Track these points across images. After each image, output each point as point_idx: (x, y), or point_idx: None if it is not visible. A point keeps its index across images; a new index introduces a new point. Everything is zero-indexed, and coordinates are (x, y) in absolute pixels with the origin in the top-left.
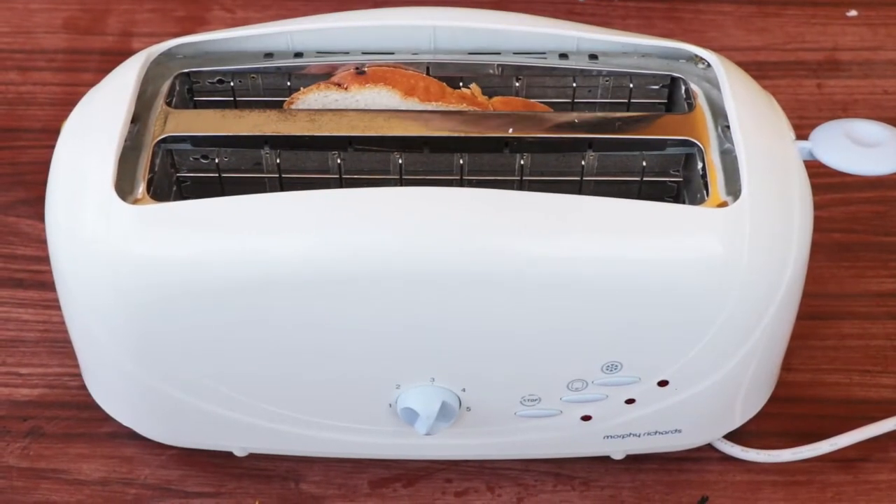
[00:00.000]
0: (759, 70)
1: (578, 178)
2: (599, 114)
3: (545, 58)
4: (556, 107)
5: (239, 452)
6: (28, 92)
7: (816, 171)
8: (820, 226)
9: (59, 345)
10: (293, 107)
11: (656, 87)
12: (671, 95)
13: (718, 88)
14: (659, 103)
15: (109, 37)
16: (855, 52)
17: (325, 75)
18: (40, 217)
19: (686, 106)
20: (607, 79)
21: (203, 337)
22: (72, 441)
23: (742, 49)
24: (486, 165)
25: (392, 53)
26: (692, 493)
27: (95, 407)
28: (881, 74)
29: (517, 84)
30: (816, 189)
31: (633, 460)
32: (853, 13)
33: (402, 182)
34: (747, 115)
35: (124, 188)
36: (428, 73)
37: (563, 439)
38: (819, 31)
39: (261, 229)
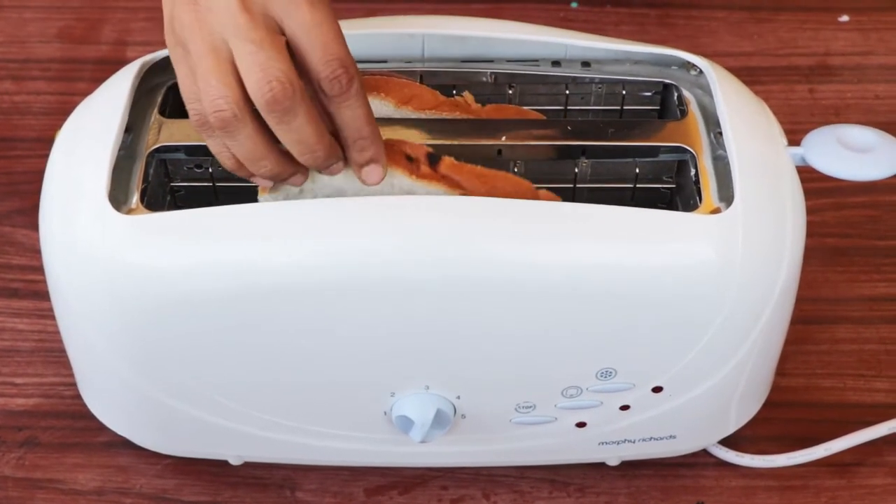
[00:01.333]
0: (751, 75)
1: (571, 185)
2: (592, 121)
3: (538, 65)
4: (549, 114)
5: (234, 461)
6: (23, 101)
7: (809, 176)
8: (813, 231)
9: (54, 354)
10: None
11: (649, 93)
12: (664, 102)
13: (711, 95)
14: (651, 110)
15: (104, 46)
16: (846, 57)
17: None
18: (35, 227)
19: (678, 112)
20: (600, 86)
21: (197, 346)
22: (67, 451)
23: (734, 55)
24: None
25: (385, 62)
26: (687, 499)
27: (91, 416)
28: (873, 79)
29: (510, 92)
30: (809, 194)
31: (629, 466)
32: (845, 18)
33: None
34: (739, 121)
35: (118, 198)
36: (421, 82)
37: (559, 446)
38: (811, 37)
39: (254, 238)
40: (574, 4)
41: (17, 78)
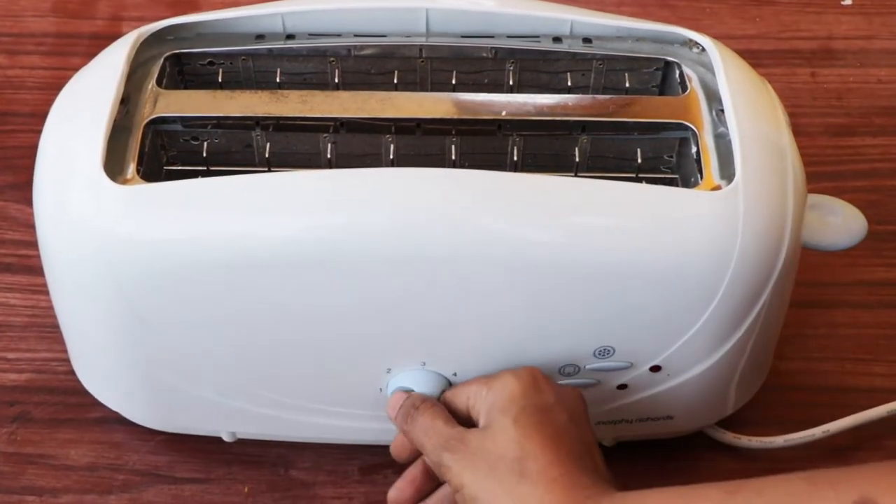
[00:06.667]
0: (753, 58)
1: (571, 163)
2: (593, 97)
3: (539, 41)
4: (549, 90)
5: (228, 438)
6: (16, 76)
7: (810, 160)
8: None
9: (47, 330)
10: None
11: (650, 70)
12: (665, 79)
13: (713, 72)
14: (653, 87)
15: (99, 20)
16: (849, 41)
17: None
18: (28, 202)
19: (680, 90)
20: (601, 62)
21: (192, 319)
22: (59, 426)
23: (736, 37)
24: (479, 148)
25: (384, 36)
26: (683, 481)
27: (83, 392)
28: (875, 63)
29: (510, 68)
30: (810, 177)
31: (625, 447)
32: (848, 2)
33: (393, 164)
34: (741, 98)
35: (114, 169)
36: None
37: None
38: (813, 20)
39: (250, 210)
40: None
41: (11, 52)
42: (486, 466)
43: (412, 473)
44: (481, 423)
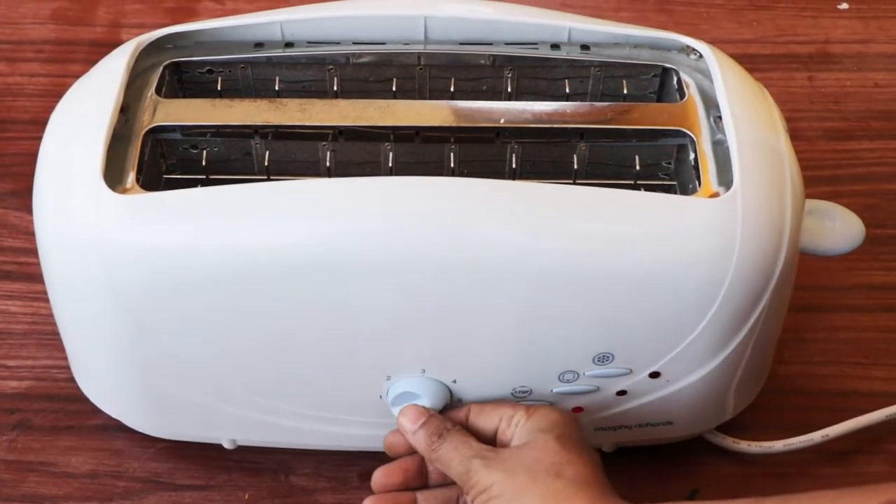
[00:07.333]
0: (750, 63)
1: (570, 170)
2: (591, 104)
3: (537, 48)
4: (547, 97)
5: (228, 445)
6: (16, 83)
7: (807, 164)
8: None
9: (48, 337)
10: None
11: (648, 77)
12: (663, 86)
13: (710, 79)
14: (651, 94)
15: (98, 28)
16: (846, 45)
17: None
18: (28, 209)
19: (678, 96)
20: (599, 69)
21: (192, 327)
22: (60, 434)
23: (733, 42)
24: (478, 156)
25: (383, 44)
26: (683, 486)
27: (84, 399)
28: (872, 67)
29: (508, 75)
30: (807, 182)
31: (624, 452)
32: (844, 6)
33: (392, 172)
34: (739, 105)
35: (113, 178)
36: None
37: None
38: (810, 24)
39: (250, 219)
40: None
41: (11, 59)
42: (522, 468)
43: (406, 463)
44: (515, 443)
